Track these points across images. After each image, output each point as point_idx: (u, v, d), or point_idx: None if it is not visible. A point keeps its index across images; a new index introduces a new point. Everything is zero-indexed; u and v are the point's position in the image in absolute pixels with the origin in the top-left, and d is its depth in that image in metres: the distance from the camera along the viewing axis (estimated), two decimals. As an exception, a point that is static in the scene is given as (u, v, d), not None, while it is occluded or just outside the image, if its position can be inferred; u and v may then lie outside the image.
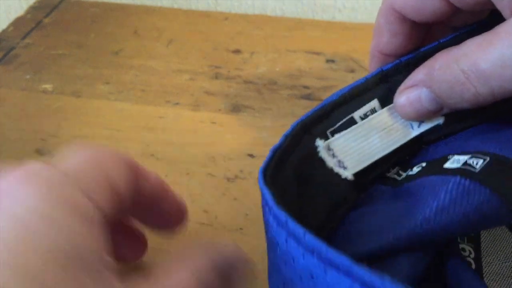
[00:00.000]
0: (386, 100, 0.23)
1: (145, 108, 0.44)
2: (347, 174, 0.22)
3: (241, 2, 0.58)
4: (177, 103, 0.44)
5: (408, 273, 0.19)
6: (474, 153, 0.21)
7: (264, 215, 0.19)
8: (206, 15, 0.56)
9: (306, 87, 0.44)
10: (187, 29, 0.53)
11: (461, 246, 0.24)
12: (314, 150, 0.22)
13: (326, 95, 0.43)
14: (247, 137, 0.40)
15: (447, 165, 0.21)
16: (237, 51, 0.50)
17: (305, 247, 0.16)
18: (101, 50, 0.51)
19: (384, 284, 0.14)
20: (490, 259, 0.24)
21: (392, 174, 0.24)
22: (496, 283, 0.23)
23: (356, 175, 0.23)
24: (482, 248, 0.24)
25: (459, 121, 0.23)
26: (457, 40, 0.22)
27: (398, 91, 0.22)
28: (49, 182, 0.17)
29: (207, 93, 0.45)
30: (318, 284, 0.16)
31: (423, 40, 0.25)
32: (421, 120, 0.23)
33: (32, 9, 0.58)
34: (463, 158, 0.21)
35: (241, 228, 0.33)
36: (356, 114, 0.23)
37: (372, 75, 0.23)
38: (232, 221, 0.33)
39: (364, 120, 0.23)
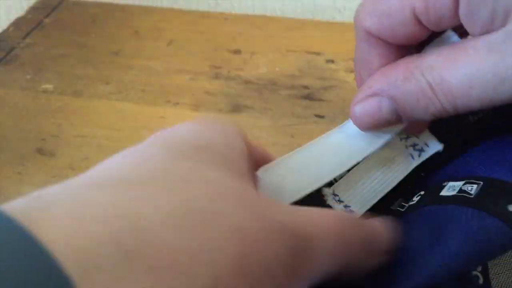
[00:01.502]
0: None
1: (145, 108, 0.44)
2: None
3: (241, 2, 0.58)
4: (177, 103, 0.44)
5: None
6: (468, 178, 0.21)
7: None
8: (206, 15, 0.56)
9: (306, 87, 0.44)
10: (187, 29, 0.53)
11: None
12: (323, 198, 0.22)
13: (326, 95, 0.43)
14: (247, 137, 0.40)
15: (443, 192, 0.21)
16: (237, 51, 0.50)
17: None
18: (101, 50, 0.51)
19: None
20: (498, 270, 0.24)
21: (395, 206, 0.24)
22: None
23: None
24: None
25: (460, 147, 0.23)
26: None
27: (354, 100, 0.21)
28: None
29: (207, 93, 0.45)
30: None
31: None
32: (376, 129, 0.22)
33: (33, 9, 0.58)
34: (458, 184, 0.21)
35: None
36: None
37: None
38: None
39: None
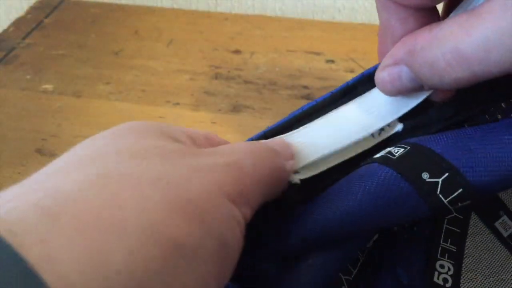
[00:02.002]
0: None
1: (145, 108, 0.44)
2: (296, 179, 0.22)
3: (241, 2, 0.58)
4: (177, 103, 0.44)
5: (321, 273, 0.20)
6: (401, 144, 0.21)
7: None
8: (206, 15, 0.56)
9: (306, 87, 0.45)
10: (187, 29, 0.53)
11: (439, 262, 0.24)
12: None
13: (326, 95, 0.43)
14: (247, 137, 0.40)
15: (377, 155, 0.21)
16: (237, 51, 0.50)
17: None
18: (101, 51, 0.51)
19: None
20: (473, 275, 0.24)
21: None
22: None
23: (306, 181, 0.22)
24: (464, 264, 0.24)
25: (418, 129, 0.23)
26: None
27: (380, 66, 0.21)
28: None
29: (207, 93, 0.45)
30: None
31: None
32: (398, 95, 0.22)
33: (33, 9, 0.58)
34: (389, 148, 0.21)
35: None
36: None
37: (337, 89, 0.24)
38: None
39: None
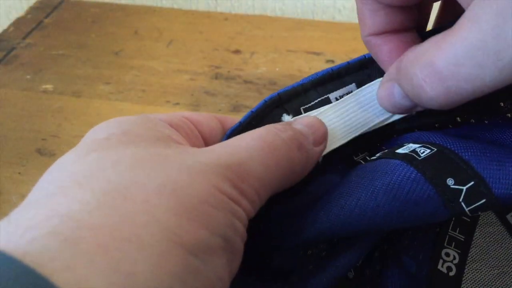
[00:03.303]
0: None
1: (145, 108, 0.44)
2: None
3: (241, 2, 0.58)
4: (177, 103, 0.44)
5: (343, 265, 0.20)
6: (426, 143, 0.20)
7: None
8: (206, 15, 0.56)
9: (306, 87, 0.44)
10: (187, 30, 0.53)
11: (445, 251, 0.24)
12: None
13: (326, 95, 0.43)
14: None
15: (399, 150, 0.21)
16: (237, 51, 0.50)
17: None
18: (101, 51, 0.51)
19: None
20: (478, 266, 0.24)
21: (359, 158, 0.24)
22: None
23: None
24: (470, 254, 0.24)
25: (431, 115, 0.23)
26: None
27: (381, 82, 0.22)
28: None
29: (207, 93, 0.45)
30: None
31: (425, 15, 0.24)
32: (399, 113, 0.22)
33: (33, 9, 0.58)
34: (414, 146, 0.21)
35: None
36: (332, 95, 0.23)
37: (354, 60, 0.23)
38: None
39: (338, 101, 0.23)
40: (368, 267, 0.23)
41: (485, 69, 0.16)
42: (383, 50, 0.22)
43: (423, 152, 0.20)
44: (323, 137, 0.21)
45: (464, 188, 0.18)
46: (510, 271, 0.24)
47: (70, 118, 0.43)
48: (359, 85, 0.23)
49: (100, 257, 0.12)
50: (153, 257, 0.13)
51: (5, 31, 0.54)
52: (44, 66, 0.49)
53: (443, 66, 0.17)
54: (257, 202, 0.17)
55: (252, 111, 0.21)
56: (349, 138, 0.22)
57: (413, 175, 0.19)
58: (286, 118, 0.22)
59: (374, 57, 0.23)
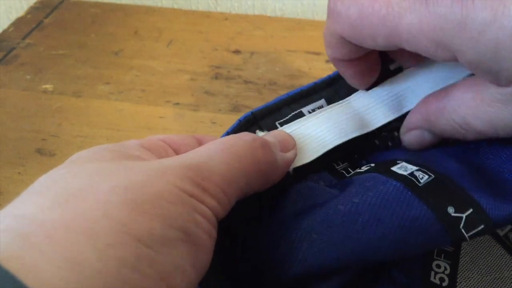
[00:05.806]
0: (332, 101, 0.25)
1: (145, 108, 0.44)
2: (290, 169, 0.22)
3: (241, 2, 0.58)
4: (177, 103, 0.44)
5: None
6: (421, 166, 0.21)
7: None
8: (206, 15, 0.56)
9: (306, 87, 0.44)
10: (187, 29, 0.53)
11: (436, 262, 0.24)
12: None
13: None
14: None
15: (395, 168, 0.21)
16: (237, 51, 0.50)
17: None
18: (101, 50, 0.51)
19: None
20: (469, 274, 0.24)
21: (341, 168, 0.25)
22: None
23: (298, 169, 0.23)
24: (460, 263, 0.24)
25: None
26: None
27: (402, 131, 0.25)
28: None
29: (207, 93, 0.45)
30: None
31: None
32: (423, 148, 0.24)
33: (33, 9, 0.58)
34: (411, 167, 0.21)
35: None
36: (305, 109, 0.25)
37: (320, 80, 0.26)
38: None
39: (311, 114, 0.24)
40: (360, 285, 0.24)
41: None
42: (349, 71, 0.24)
43: (422, 177, 0.20)
44: (290, 144, 0.23)
45: (464, 215, 0.19)
46: (502, 276, 0.24)
47: (70, 118, 0.43)
48: (328, 101, 0.25)
49: (49, 247, 0.13)
50: (101, 246, 0.14)
51: (5, 31, 0.54)
52: (44, 66, 0.49)
53: (480, 126, 0.20)
54: (224, 200, 0.18)
55: (228, 132, 0.22)
56: (326, 149, 0.23)
57: (416, 202, 0.19)
58: (260, 134, 0.23)
59: (341, 75, 0.25)
